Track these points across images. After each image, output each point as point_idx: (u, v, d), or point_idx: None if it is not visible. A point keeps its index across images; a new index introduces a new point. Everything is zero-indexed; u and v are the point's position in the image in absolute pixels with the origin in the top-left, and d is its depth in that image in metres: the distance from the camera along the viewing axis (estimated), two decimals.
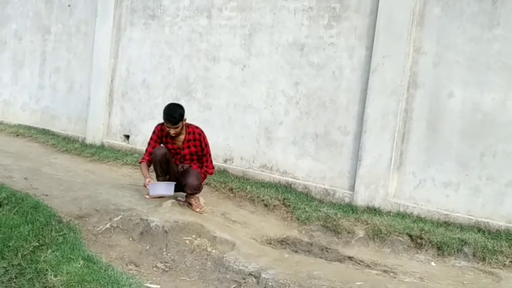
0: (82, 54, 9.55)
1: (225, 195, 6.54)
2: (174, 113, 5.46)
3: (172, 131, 5.48)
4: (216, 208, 5.99)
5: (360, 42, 6.29)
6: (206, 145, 5.69)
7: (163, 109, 5.52)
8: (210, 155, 5.77)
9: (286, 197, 6.23)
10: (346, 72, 6.37)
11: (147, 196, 5.58)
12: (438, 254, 5.10)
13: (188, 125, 5.62)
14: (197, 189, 5.60)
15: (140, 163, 5.78)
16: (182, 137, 5.64)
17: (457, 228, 5.41)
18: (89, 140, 9.12)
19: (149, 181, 5.44)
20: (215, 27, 7.61)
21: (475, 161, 5.55)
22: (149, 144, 5.74)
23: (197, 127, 5.71)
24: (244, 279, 4.25)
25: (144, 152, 5.78)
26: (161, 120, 5.78)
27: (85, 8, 9.54)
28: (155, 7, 8.36)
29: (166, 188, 5.44)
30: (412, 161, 5.93)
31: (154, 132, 5.73)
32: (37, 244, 4.11)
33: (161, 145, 5.74)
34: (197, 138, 5.64)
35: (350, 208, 6.00)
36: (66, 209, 5.15)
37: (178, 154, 5.71)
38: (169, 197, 5.59)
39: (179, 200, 5.72)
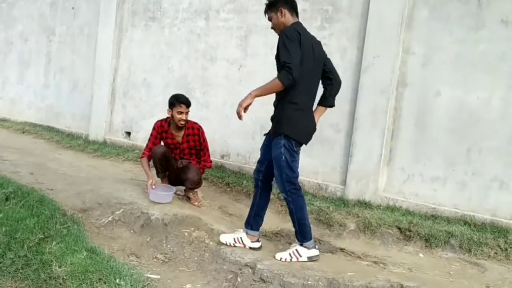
0: (86, 55, 9.53)
1: (222, 190, 6.54)
2: (184, 96, 5.63)
3: (184, 116, 5.53)
4: (213, 202, 5.99)
5: (351, 43, 6.28)
6: (204, 139, 5.72)
7: (170, 100, 5.60)
8: (207, 149, 5.79)
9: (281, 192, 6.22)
10: (338, 71, 6.31)
11: (147, 191, 5.56)
12: (426, 246, 5.10)
13: (187, 121, 5.63)
14: (197, 183, 5.61)
15: (141, 158, 5.77)
16: (181, 132, 5.65)
17: (444, 221, 5.41)
18: (92, 137, 9.10)
19: (151, 183, 5.41)
20: (213, 28, 7.59)
21: (461, 157, 5.56)
22: (149, 140, 5.74)
23: (195, 123, 5.72)
24: (240, 269, 4.24)
25: (145, 147, 5.77)
26: (161, 117, 5.78)
27: (88, 10, 9.52)
28: (155, 10, 8.33)
29: (165, 197, 5.42)
30: (401, 157, 5.93)
31: (154, 129, 5.72)
32: (42, 236, 4.10)
33: (161, 142, 5.74)
34: (196, 133, 5.67)
35: (342, 202, 6.00)
36: (70, 202, 5.15)
37: (178, 149, 5.72)
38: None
39: (178, 194, 5.72)
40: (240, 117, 4.17)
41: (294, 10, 4.36)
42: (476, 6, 5.47)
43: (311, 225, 5.56)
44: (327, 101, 4.61)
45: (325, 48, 6.39)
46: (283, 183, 4.31)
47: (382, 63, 5.90)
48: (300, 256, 4.36)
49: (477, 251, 4.89)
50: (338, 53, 6.35)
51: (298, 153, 4.37)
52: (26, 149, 8.05)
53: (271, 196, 6.07)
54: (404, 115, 5.91)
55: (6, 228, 4.13)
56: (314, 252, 4.42)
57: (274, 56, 6.93)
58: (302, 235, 4.40)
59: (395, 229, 5.32)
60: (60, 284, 3.57)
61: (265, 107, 6.94)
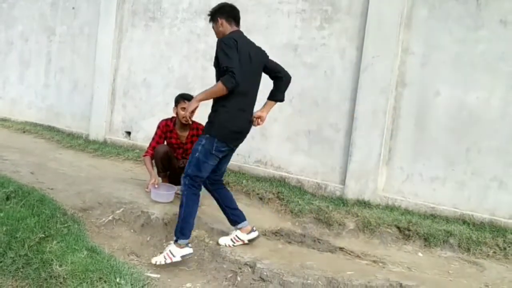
0: (86, 55, 9.52)
1: None
2: (190, 94, 5.65)
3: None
4: (213, 201, 5.95)
5: (351, 43, 6.28)
6: None
7: (176, 98, 5.64)
8: None
9: (280, 191, 6.22)
10: (338, 71, 6.37)
11: (147, 190, 5.57)
12: (425, 245, 5.11)
13: (192, 121, 5.64)
14: None
15: (144, 156, 5.76)
16: (186, 132, 5.66)
17: (443, 220, 5.42)
18: (92, 137, 9.09)
19: (153, 183, 5.44)
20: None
21: (460, 157, 5.56)
22: (153, 139, 5.74)
23: (200, 124, 5.74)
24: (240, 268, 4.25)
25: (148, 146, 5.77)
26: (162, 117, 5.78)
27: (88, 10, 9.51)
28: (155, 10, 8.33)
29: (167, 197, 5.45)
30: (400, 156, 5.93)
31: (158, 127, 5.73)
32: (43, 235, 4.11)
33: (165, 141, 5.75)
34: (200, 133, 5.68)
35: (341, 201, 6.00)
36: (71, 202, 5.15)
37: (181, 148, 5.73)
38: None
39: (178, 194, 5.72)
40: (187, 121, 4.35)
41: (232, 19, 4.56)
42: (475, 6, 5.48)
43: (311, 224, 5.60)
44: (276, 96, 4.77)
45: (324, 48, 6.46)
46: (185, 175, 4.36)
47: (382, 63, 5.90)
48: (174, 256, 4.28)
49: (476, 250, 4.90)
50: (338, 53, 6.36)
51: (216, 157, 4.37)
52: (26, 149, 8.05)
53: (270, 196, 6.12)
54: (403, 114, 5.91)
55: (7, 227, 4.14)
56: (187, 250, 4.32)
57: (273, 56, 6.95)
58: (182, 231, 4.33)
59: (394, 228, 5.32)
60: (61, 283, 3.57)
61: None
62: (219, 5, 4.56)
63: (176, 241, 4.33)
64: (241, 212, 4.74)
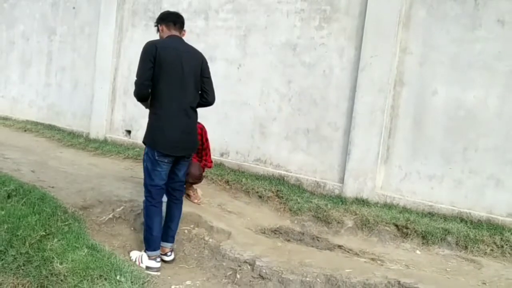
0: (86, 54, 9.52)
1: (222, 187, 6.52)
2: None
3: None
4: (213, 200, 5.98)
5: (349, 42, 6.27)
6: (207, 140, 5.69)
7: None
8: (209, 150, 5.76)
9: (279, 189, 6.22)
10: (336, 71, 6.36)
11: None
12: (422, 243, 5.10)
13: None
14: (199, 178, 5.59)
15: None
16: None
17: (441, 218, 5.42)
18: (93, 135, 9.08)
19: None
20: (212, 28, 7.58)
21: (458, 155, 5.55)
22: None
23: (198, 122, 5.70)
24: (239, 266, 4.25)
25: None
26: None
27: (89, 10, 9.50)
28: (155, 10, 8.31)
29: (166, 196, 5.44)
30: (399, 155, 5.92)
31: None
32: (44, 233, 4.10)
33: None
34: (199, 132, 5.64)
35: (339, 200, 5.99)
36: (71, 200, 5.14)
37: None
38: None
39: None
40: None
41: (172, 22, 4.42)
42: (473, 6, 5.47)
43: (310, 222, 5.59)
44: None
45: (323, 48, 6.44)
46: (143, 186, 4.42)
47: (380, 62, 5.89)
48: (142, 262, 4.27)
49: (473, 248, 4.90)
50: (336, 52, 6.35)
51: (162, 163, 4.29)
52: (27, 147, 8.04)
53: (269, 194, 6.13)
54: (401, 113, 5.90)
55: (8, 225, 4.13)
56: (153, 263, 4.24)
57: (273, 56, 6.96)
58: (145, 243, 4.34)
59: (393, 226, 5.31)
60: (61, 280, 3.57)
61: (264, 106, 6.96)
62: (160, 13, 4.52)
63: (145, 251, 4.32)
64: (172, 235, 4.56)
